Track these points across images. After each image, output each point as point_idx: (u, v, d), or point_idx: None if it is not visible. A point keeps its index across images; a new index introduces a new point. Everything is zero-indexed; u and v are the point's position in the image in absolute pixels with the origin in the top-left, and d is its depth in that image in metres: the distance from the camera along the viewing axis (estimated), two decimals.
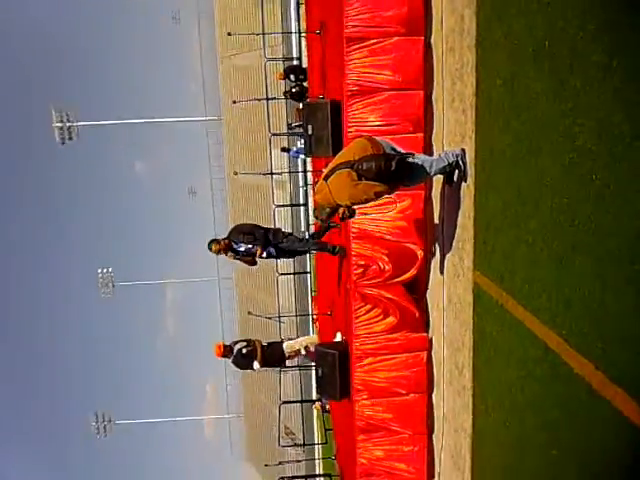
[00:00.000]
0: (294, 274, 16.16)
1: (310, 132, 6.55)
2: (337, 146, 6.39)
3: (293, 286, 16.54)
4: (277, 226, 10.40)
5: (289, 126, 16.52)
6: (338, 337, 8.46)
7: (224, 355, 8.26)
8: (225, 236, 7.93)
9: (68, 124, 28.87)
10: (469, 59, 4.80)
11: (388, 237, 6.68)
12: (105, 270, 38.50)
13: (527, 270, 4.14)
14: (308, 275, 15.43)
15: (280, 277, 15.71)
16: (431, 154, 5.77)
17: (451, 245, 5.72)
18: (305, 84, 11.83)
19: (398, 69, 5.64)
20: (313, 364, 7.62)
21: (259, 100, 13.07)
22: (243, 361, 8.12)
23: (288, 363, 8.95)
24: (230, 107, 23.34)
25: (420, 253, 6.52)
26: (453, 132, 5.37)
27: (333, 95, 6.88)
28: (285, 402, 12.49)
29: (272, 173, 13.18)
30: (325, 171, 5.09)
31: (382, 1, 5.59)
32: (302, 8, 13.28)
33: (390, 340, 6.87)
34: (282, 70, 13.32)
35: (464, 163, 5.09)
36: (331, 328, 9.63)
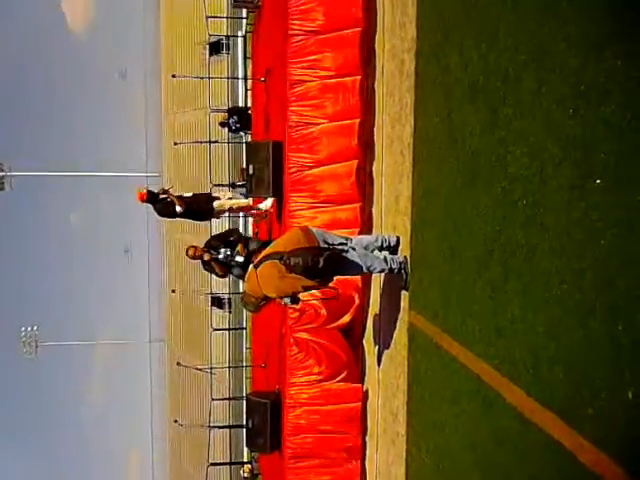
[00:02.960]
0: (229, 330, 15.81)
1: (251, 172, 6.56)
2: (277, 186, 6.41)
3: (227, 342, 16.16)
4: None
5: (233, 185, 16.55)
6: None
7: (147, 200, 7.94)
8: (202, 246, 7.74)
9: (1, 174, 28.03)
10: (408, 101, 4.96)
11: None
12: (30, 329, 36.60)
13: (461, 303, 4.16)
14: (244, 331, 15.12)
15: (214, 333, 15.35)
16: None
17: (388, 287, 5.72)
18: (247, 131, 12.03)
19: (338, 110, 5.79)
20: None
21: (201, 143, 13.19)
22: (167, 208, 7.84)
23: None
24: (171, 164, 23.28)
25: (357, 297, 6.49)
26: (392, 174, 5.48)
27: (275, 137, 6.96)
28: (213, 464, 11.92)
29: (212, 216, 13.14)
30: (258, 258, 4.92)
31: (325, 45, 5.78)
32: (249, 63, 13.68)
33: (324, 390, 6.72)
34: (226, 112, 13.41)
35: (406, 273, 5.08)
36: (265, 380, 9.36)
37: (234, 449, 14.52)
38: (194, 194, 8.12)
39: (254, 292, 4.84)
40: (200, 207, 8.01)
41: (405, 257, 5.10)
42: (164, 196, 7.90)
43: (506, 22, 3.44)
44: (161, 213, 8.16)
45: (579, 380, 2.87)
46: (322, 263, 4.54)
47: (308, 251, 4.58)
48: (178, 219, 8.35)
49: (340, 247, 4.83)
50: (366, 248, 5.10)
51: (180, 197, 7.84)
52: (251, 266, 4.91)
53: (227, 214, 8.54)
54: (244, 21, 15.77)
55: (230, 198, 8.29)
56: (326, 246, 4.74)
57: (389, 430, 5.89)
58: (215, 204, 8.06)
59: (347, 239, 5.05)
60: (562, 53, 2.88)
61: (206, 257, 7.16)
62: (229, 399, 14.12)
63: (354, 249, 4.94)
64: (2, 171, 28.03)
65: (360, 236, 5.74)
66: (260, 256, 4.86)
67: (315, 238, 4.73)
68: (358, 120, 5.76)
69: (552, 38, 2.96)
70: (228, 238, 7.21)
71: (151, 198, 8.01)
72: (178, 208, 7.77)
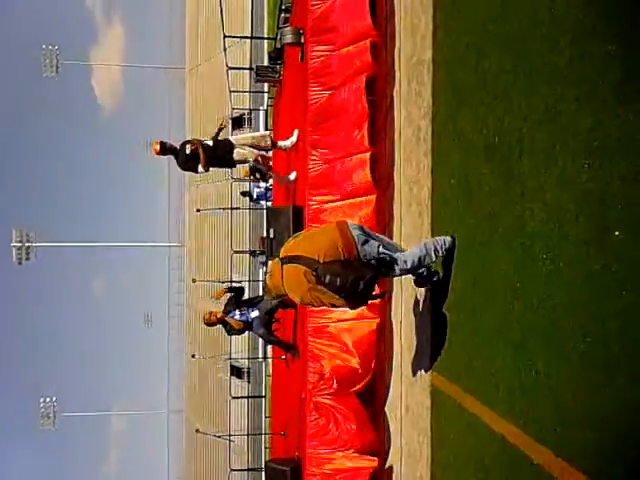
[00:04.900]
0: (248, 397, 15.56)
1: (272, 235, 6.69)
2: None
3: (246, 412, 15.86)
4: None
5: (253, 253, 16.80)
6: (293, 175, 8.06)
7: (162, 152, 7.72)
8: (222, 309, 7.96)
9: (27, 244, 28.66)
10: (425, 165, 5.08)
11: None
12: (48, 399, 36.46)
13: (483, 362, 4.11)
14: (263, 400, 14.87)
15: (233, 403, 15.11)
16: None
17: (409, 349, 5.67)
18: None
19: (356, 178, 5.96)
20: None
21: (223, 210, 13.47)
22: (189, 163, 7.60)
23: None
24: (192, 233, 23.74)
25: (374, 363, 6.43)
26: (410, 235, 5.55)
27: (295, 202, 7.13)
28: None
29: (231, 279, 13.23)
30: (284, 249, 4.27)
31: (342, 112, 6.01)
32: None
33: (345, 457, 6.57)
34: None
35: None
36: (285, 449, 9.16)
37: None
38: (214, 143, 7.84)
39: (276, 289, 4.29)
40: (221, 154, 7.79)
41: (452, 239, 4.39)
42: (183, 146, 7.68)
43: (519, 87, 3.57)
44: (183, 167, 7.91)
45: (608, 438, 2.81)
46: (362, 287, 4.01)
47: (346, 269, 3.99)
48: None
49: (382, 258, 4.19)
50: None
51: (204, 150, 7.60)
52: (277, 259, 4.27)
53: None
54: (265, 95, 16.39)
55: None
56: (365, 260, 4.12)
57: None
58: (235, 151, 7.82)
59: (399, 250, 4.45)
60: (574, 112, 2.98)
61: (219, 315, 7.57)
62: (248, 470, 13.74)
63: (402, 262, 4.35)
64: (29, 242, 28.68)
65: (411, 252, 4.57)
66: (289, 251, 4.20)
67: (353, 246, 4.10)
68: (381, 185, 5.89)
69: (564, 99, 3.07)
70: (250, 301, 7.57)
71: (167, 149, 7.78)
72: (200, 168, 7.65)
